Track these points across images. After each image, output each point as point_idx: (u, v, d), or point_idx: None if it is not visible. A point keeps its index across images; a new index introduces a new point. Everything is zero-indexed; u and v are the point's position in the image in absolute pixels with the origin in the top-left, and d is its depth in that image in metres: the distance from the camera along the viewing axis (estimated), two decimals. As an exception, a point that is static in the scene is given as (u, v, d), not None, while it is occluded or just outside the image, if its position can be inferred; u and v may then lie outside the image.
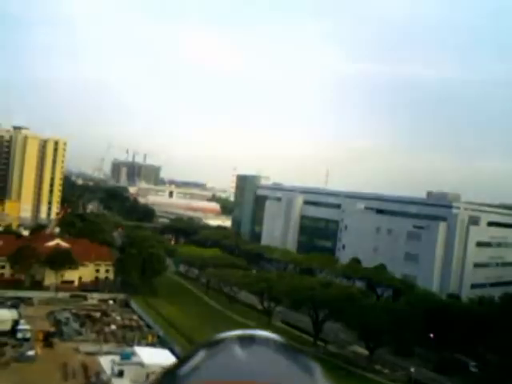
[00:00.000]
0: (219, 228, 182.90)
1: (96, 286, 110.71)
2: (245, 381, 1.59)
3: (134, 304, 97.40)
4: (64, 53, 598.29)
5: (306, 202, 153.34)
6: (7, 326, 73.55)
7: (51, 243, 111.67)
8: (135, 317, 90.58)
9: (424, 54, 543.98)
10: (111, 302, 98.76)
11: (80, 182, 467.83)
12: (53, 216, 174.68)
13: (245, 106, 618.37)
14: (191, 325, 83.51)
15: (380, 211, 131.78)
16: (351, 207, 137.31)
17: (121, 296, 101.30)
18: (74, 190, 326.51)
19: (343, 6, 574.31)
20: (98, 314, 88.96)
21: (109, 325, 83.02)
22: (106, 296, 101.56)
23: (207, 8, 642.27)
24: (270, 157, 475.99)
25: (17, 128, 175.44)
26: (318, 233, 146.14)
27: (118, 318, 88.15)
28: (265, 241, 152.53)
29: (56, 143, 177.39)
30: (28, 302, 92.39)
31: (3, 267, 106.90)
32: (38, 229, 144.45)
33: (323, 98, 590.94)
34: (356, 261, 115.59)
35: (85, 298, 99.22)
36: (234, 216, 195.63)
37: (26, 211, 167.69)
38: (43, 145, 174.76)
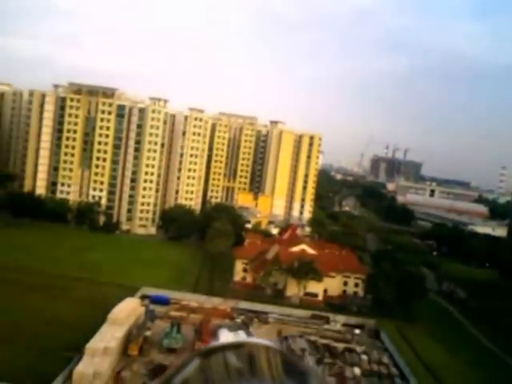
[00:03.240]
0: (490, 239, 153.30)
1: (343, 301, 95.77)
2: None
3: (384, 336, 78.33)
4: (328, 53, 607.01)
5: None
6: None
7: (296, 249, 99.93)
8: (386, 358, 70.85)
9: None
10: (357, 331, 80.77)
11: (339, 176, 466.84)
12: (305, 214, 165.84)
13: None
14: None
15: None
16: None
17: (370, 323, 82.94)
18: (331, 185, 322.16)
19: None
20: (340, 347, 72.49)
21: (352, 366, 65.70)
22: (352, 320, 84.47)
23: None
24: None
25: (273, 122, 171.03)
26: None
27: (364, 356, 69.50)
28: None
29: (311, 138, 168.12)
30: (262, 318, 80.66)
31: (245, 270, 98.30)
32: (288, 228, 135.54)
33: None
34: None
35: (327, 321, 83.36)
36: (510, 227, 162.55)
37: (278, 207, 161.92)
38: (298, 140, 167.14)
